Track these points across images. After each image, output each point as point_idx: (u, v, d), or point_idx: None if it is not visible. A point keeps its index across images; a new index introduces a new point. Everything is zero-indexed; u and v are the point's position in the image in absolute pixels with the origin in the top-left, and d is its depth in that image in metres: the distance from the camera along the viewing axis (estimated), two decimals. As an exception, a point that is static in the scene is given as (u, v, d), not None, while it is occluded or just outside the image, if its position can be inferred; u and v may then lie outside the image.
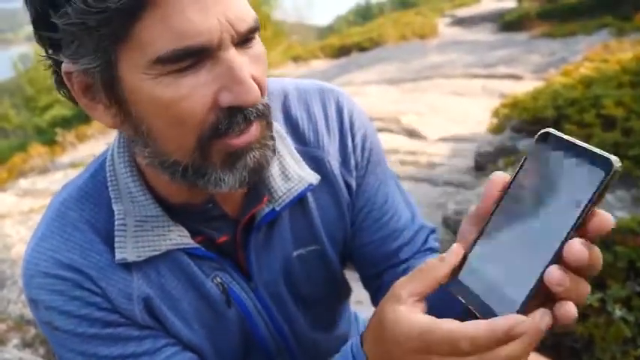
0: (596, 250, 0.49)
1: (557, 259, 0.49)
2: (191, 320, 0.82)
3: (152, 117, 0.64)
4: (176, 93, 0.61)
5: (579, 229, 0.48)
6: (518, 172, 0.55)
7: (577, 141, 0.51)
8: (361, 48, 13.96)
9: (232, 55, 0.62)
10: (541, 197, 0.52)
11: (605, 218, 0.48)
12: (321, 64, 13.57)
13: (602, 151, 0.48)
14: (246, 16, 0.63)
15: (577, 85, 3.26)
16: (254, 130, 0.67)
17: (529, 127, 3.11)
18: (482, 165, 3.40)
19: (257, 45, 0.67)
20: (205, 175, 0.67)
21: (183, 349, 0.82)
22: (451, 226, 2.36)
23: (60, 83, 0.68)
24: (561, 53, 7.85)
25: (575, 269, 0.48)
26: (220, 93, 0.63)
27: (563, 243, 0.48)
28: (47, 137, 12.30)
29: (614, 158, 0.47)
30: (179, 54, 0.59)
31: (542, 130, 0.54)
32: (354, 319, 1.19)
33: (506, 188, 0.56)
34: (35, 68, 18.91)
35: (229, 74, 0.62)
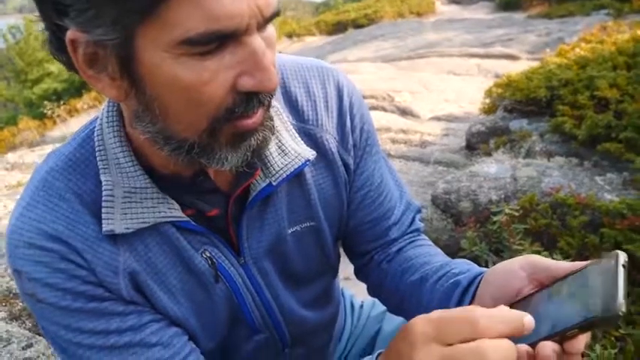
0: (572, 359, 0.58)
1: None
2: (178, 294, 0.82)
3: (167, 96, 0.63)
4: (198, 76, 0.60)
5: (563, 337, 0.57)
6: (588, 265, 0.61)
7: (621, 276, 0.55)
8: (357, 25, 13.87)
9: (257, 40, 0.61)
10: (576, 292, 0.60)
11: (575, 346, 0.57)
12: (315, 40, 13.48)
13: (621, 299, 0.52)
14: (272, 0, 0.62)
15: (572, 65, 3.23)
16: (260, 112, 0.67)
17: (521, 107, 3.10)
18: (474, 145, 3.41)
19: (270, 27, 0.66)
20: (211, 154, 0.67)
21: (168, 325, 0.81)
22: (440, 205, 2.37)
23: (58, 49, 0.65)
24: (558, 33, 7.83)
25: None
26: (240, 77, 0.62)
27: (547, 336, 0.57)
28: (38, 111, 12.19)
29: (615, 311, 0.52)
30: (209, 37, 0.58)
31: (619, 251, 0.58)
32: (342, 295, 1.20)
33: (574, 272, 0.63)
34: (25, 40, 18.60)
35: (253, 60, 0.61)
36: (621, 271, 0.55)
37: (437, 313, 0.56)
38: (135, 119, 0.68)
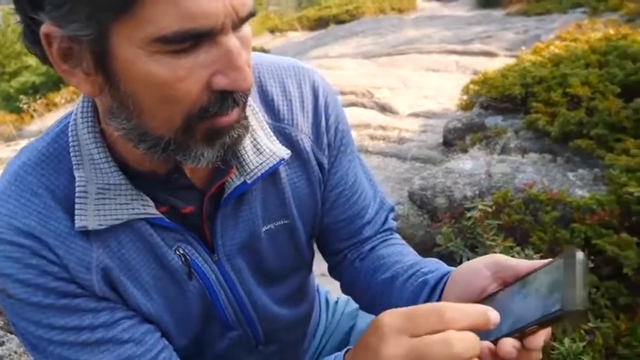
0: (530, 354, 0.60)
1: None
2: (151, 291, 0.81)
3: (142, 93, 0.63)
4: (173, 73, 0.61)
5: (523, 334, 0.59)
6: (549, 263, 0.63)
7: (579, 274, 0.57)
8: (338, 20, 13.89)
9: (232, 40, 0.62)
10: (537, 289, 0.62)
11: (534, 342, 0.59)
12: (298, 35, 13.47)
13: (578, 295, 0.55)
14: (247, 0, 0.63)
15: (546, 63, 3.28)
16: (236, 111, 0.68)
17: (497, 104, 3.14)
18: (451, 141, 3.45)
19: (246, 27, 0.66)
20: (187, 150, 0.68)
21: (140, 322, 0.81)
22: (416, 201, 2.39)
23: (32, 42, 0.65)
24: (535, 31, 7.93)
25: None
26: (215, 76, 0.63)
27: (508, 333, 0.59)
28: (15, 105, 11.96)
29: (574, 307, 0.54)
30: (184, 35, 0.58)
31: (578, 250, 0.60)
32: (317, 292, 1.21)
33: (538, 269, 0.65)
34: (3, 33, 18.21)
35: (227, 59, 0.62)
36: (579, 269, 0.57)
37: (405, 308, 0.58)
38: (109, 115, 0.68)
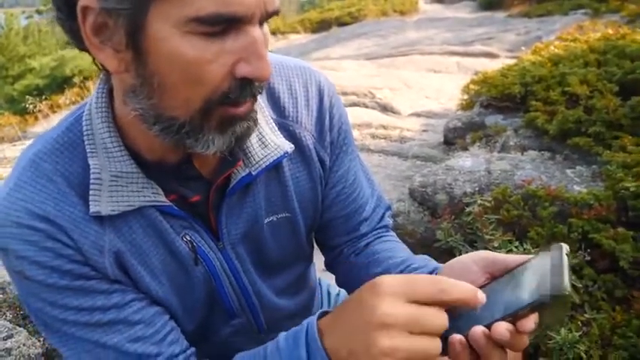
0: (521, 337, 0.62)
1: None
2: (160, 275, 0.85)
3: (168, 71, 0.65)
4: (201, 54, 0.64)
5: (515, 317, 0.62)
6: (536, 257, 0.68)
7: (565, 263, 0.62)
8: (341, 23, 13.92)
9: (257, 30, 0.66)
10: (526, 278, 0.66)
11: (526, 325, 0.62)
12: (300, 38, 13.50)
13: (566, 281, 0.60)
14: None
15: (545, 62, 3.30)
16: (249, 103, 0.71)
17: (497, 103, 3.16)
18: (451, 140, 3.47)
19: (266, 27, 0.71)
20: (199, 135, 0.70)
21: (150, 304, 0.84)
22: (417, 197, 2.42)
23: (66, 16, 0.67)
24: (537, 32, 7.95)
25: (497, 342, 0.62)
26: (238, 63, 0.66)
27: (501, 318, 0.62)
28: (19, 107, 12.01)
29: (562, 291, 0.59)
30: (217, 18, 0.61)
31: (562, 243, 0.65)
32: (318, 284, 1.25)
33: (526, 261, 0.69)
34: (6, 35, 18.28)
35: (252, 48, 0.65)
36: (565, 259, 0.62)
37: (404, 274, 0.62)
38: (129, 94, 0.70)
